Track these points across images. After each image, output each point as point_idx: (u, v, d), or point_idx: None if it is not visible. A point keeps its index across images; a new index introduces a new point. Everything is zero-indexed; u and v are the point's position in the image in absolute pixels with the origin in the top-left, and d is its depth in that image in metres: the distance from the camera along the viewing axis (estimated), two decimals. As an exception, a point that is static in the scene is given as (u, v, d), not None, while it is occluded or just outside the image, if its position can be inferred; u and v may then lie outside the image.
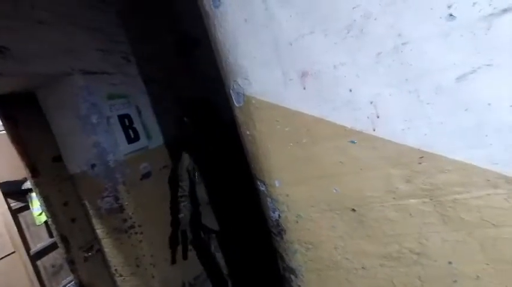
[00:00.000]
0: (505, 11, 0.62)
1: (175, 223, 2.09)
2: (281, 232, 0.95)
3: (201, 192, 1.98)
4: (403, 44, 0.71)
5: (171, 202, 2.16)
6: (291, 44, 0.81)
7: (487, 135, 0.69)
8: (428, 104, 0.72)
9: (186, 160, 2.01)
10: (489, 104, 0.67)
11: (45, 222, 2.85)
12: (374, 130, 0.78)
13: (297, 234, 0.92)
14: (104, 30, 2.05)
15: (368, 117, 0.78)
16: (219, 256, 2.03)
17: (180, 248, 2.14)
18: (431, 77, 0.70)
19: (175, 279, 2.22)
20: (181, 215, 2.01)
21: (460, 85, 0.69)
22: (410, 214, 0.79)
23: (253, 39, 0.84)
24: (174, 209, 2.10)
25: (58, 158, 2.00)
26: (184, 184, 2.01)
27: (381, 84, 0.75)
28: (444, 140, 0.73)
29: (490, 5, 0.63)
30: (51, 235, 3.06)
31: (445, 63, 0.69)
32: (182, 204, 2.00)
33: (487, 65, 0.66)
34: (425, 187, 0.76)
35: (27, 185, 2.72)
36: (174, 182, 2.14)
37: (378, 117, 0.77)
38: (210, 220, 1.98)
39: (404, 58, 0.72)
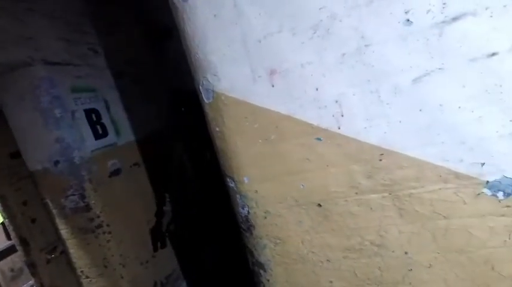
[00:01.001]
0: (455, 19, 0.67)
1: (160, 214, 2.03)
2: (250, 227, 0.96)
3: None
4: (365, 45, 0.74)
5: (157, 192, 2.09)
6: (260, 42, 0.81)
7: (439, 134, 0.74)
8: (387, 104, 0.76)
9: (178, 150, 1.96)
10: (441, 105, 0.73)
11: (2, 223, 2.65)
12: (339, 128, 0.81)
13: (265, 229, 0.94)
14: (67, 19, 1.94)
15: (333, 116, 0.80)
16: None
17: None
18: (391, 79, 0.74)
19: (147, 279, 2.17)
20: (166, 208, 1.96)
21: (416, 87, 0.73)
22: (371, 208, 0.83)
23: (222, 35, 0.83)
24: (160, 201, 2.04)
25: (16, 154, 1.87)
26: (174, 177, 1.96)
27: (345, 84, 0.78)
28: (402, 138, 0.77)
29: (442, 13, 0.67)
30: (9, 237, 2.86)
31: (403, 66, 0.73)
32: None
33: (439, 68, 0.71)
34: (384, 182, 0.81)
35: None
36: (164, 173, 2.07)
37: (343, 115, 0.80)
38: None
39: (366, 59, 0.75)
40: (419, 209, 0.80)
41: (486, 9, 0.65)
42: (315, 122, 0.82)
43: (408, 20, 0.70)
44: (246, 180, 0.91)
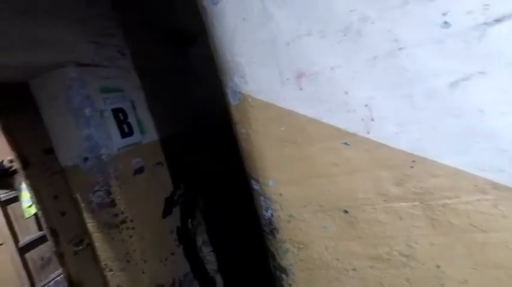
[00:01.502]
0: (497, 20, 0.63)
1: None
2: (273, 230, 0.95)
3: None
4: (399, 49, 0.72)
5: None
6: (288, 44, 0.81)
7: (477, 142, 0.70)
8: (421, 109, 0.73)
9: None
10: (481, 110, 0.69)
11: (34, 215, 2.81)
12: (368, 133, 0.79)
13: (288, 233, 0.93)
14: (97, 23, 2.02)
15: (362, 120, 0.78)
16: (207, 251, 2.03)
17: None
18: (425, 83, 0.71)
19: (165, 275, 2.22)
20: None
21: (453, 91, 0.70)
22: (400, 217, 0.80)
23: (250, 38, 0.84)
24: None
25: (50, 151, 1.97)
26: None
27: (376, 87, 0.76)
28: (436, 145, 0.74)
29: (483, 14, 0.64)
30: (40, 228, 3.03)
31: (439, 70, 0.70)
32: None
33: (480, 72, 0.67)
34: (416, 190, 0.78)
35: (6, 163, 2.67)
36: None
37: (372, 120, 0.78)
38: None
39: (399, 63, 0.72)
40: (454, 221, 0.76)
41: (535, 9, 0.61)
42: (343, 126, 0.80)
43: (446, 22, 0.67)
44: (271, 183, 0.91)
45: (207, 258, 2.02)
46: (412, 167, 0.77)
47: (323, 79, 0.80)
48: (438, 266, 0.79)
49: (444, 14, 0.66)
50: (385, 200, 0.81)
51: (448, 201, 0.75)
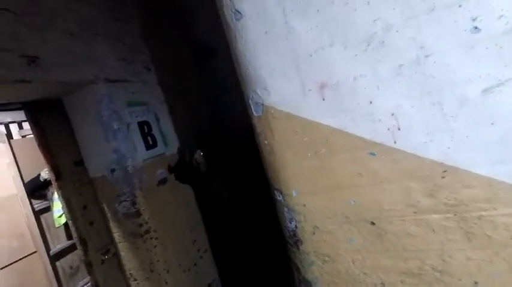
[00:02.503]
0: (534, 23, 0.61)
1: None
2: (297, 242, 0.94)
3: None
4: (425, 56, 0.70)
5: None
6: (311, 56, 0.81)
7: (515, 150, 0.66)
8: (452, 116, 0.70)
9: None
10: (517, 118, 0.65)
11: (64, 224, 2.94)
12: (395, 142, 0.77)
13: (313, 245, 0.91)
14: (126, 40, 2.14)
15: (388, 129, 0.77)
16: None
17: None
18: (455, 90, 0.69)
19: (188, 285, 2.23)
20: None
21: (486, 98, 0.67)
22: (433, 230, 0.76)
23: (272, 51, 0.85)
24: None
25: (80, 163, 2.08)
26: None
27: (403, 96, 0.74)
28: (468, 154, 0.71)
29: (517, 17, 0.61)
30: (69, 237, 3.16)
31: (470, 76, 0.67)
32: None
33: (515, 78, 0.64)
34: (448, 202, 0.74)
35: (44, 175, 2.82)
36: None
37: (399, 129, 0.76)
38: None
39: (427, 70, 0.71)
40: (492, 234, 0.71)
41: None
42: (368, 136, 0.79)
43: (476, 28, 0.65)
44: (294, 193, 0.90)
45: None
46: (443, 178, 0.74)
47: (346, 89, 0.79)
48: (476, 283, 0.75)
49: (474, 19, 0.65)
50: (415, 212, 0.77)
51: (484, 213, 0.71)
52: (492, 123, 0.67)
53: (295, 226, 0.93)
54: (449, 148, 0.72)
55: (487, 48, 0.65)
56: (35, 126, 1.99)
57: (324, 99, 0.82)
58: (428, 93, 0.72)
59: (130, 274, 2.13)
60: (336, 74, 0.80)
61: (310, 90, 0.83)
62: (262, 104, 0.90)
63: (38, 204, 3.11)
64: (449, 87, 0.69)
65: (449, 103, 0.70)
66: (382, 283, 0.85)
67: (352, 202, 0.83)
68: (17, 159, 2.97)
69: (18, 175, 2.97)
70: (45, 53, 1.61)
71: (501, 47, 0.64)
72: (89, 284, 2.51)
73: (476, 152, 0.70)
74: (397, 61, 0.73)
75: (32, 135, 2.06)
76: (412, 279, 0.81)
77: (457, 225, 0.74)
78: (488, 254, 0.72)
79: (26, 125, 3.13)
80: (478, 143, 0.69)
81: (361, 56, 0.76)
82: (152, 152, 2.13)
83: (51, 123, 2.03)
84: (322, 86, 0.82)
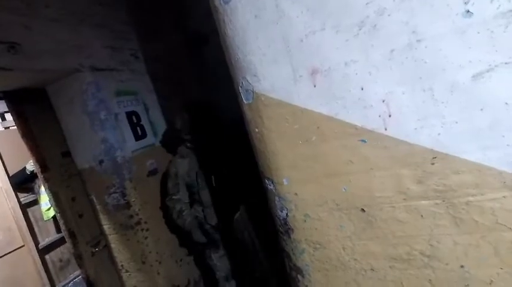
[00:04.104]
0: (525, 6, 0.60)
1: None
2: (288, 231, 0.94)
3: (205, 196, 1.95)
4: (417, 41, 0.69)
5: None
6: (302, 41, 0.79)
7: (503, 136, 0.67)
8: (442, 102, 0.70)
9: (182, 167, 1.96)
10: (506, 103, 0.65)
11: (53, 217, 2.89)
12: (386, 129, 0.76)
13: (304, 233, 0.91)
14: (112, 27, 2.07)
15: (379, 116, 0.76)
16: (216, 257, 2.01)
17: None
18: (447, 75, 0.68)
19: (180, 276, 2.23)
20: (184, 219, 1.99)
21: (476, 83, 0.67)
22: (422, 216, 0.77)
23: (263, 36, 0.83)
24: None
25: (67, 154, 2.03)
26: (179, 196, 1.98)
27: (394, 82, 0.73)
28: (458, 140, 0.71)
29: (509, 1, 0.61)
30: (58, 230, 3.11)
31: (461, 61, 0.67)
32: (184, 219, 1.98)
33: (505, 63, 0.64)
34: (437, 188, 0.75)
35: (29, 167, 2.75)
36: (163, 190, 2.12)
37: (390, 116, 0.75)
38: (215, 220, 1.96)
39: (418, 55, 0.70)
40: (479, 219, 0.72)
41: None
42: (359, 123, 0.78)
43: (468, 11, 0.64)
44: (285, 182, 0.89)
45: (217, 265, 2.01)
46: (433, 164, 0.74)
47: (338, 75, 0.78)
48: (462, 267, 0.76)
49: (466, 3, 0.64)
50: (404, 199, 0.78)
51: (472, 198, 0.72)
52: (481, 109, 0.67)
53: (286, 214, 0.92)
54: (439, 134, 0.72)
55: (478, 32, 0.65)
56: (17, 117, 1.92)
57: (315, 86, 0.81)
58: (419, 79, 0.71)
59: (121, 265, 2.12)
60: (328, 59, 0.78)
61: (301, 76, 0.81)
62: (253, 91, 0.88)
63: (25, 197, 3.04)
64: (440, 72, 0.69)
65: (440, 89, 0.69)
66: (372, 269, 0.85)
67: (343, 189, 0.83)
68: (1, 151, 2.88)
69: (3, 167, 2.89)
70: (26, 39, 1.53)
71: (492, 32, 0.63)
72: (80, 277, 2.49)
73: (466, 138, 0.70)
74: (389, 46, 0.72)
75: (15, 127, 2.00)
76: (401, 264, 0.82)
77: (446, 211, 0.75)
78: (475, 238, 0.74)
79: (9, 117, 3.03)
80: (468, 129, 0.69)
81: (352, 40, 0.75)
82: (141, 143, 2.09)
83: (36, 113, 1.96)
84: (314, 72, 0.80)
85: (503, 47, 0.63)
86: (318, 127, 0.82)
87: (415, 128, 0.73)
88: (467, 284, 0.76)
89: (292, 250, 0.96)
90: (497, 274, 0.74)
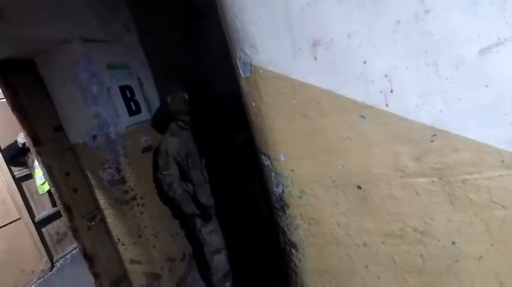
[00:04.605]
0: (543, -25, 0.56)
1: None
2: (284, 207, 0.94)
3: (196, 175, 1.92)
4: (425, 11, 0.66)
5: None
6: (303, 10, 0.75)
7: (506, 114, 0.66)
8: (446, 78, 0.68)
9: (172, 146, 1.91)
10: (512, 80, 0.63)
11: (48, 191, 2.89)
12: (387, 105, 0.74)
13: (300, 209, 0.92)
14: (102, -4, 1.95)
15: (381, 92, 0.74)
16: (206, 232, 2.03)
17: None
18: (453, 49, 0.66)
19: (176, 249, 2.28)
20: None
21: (483, 58, 0.64)
22: (417, 193, 0.77)
23: (262, 4, 0.78)
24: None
25: (59, 128, 1.98)
26: (171, 172, 1.94)
27: (398, 56, 0.71)
28: (459, 117, 0.69)
29: (527, -32, 0.57)
30: (54, 204, 3.13)
31: (470, 34, 0.64)
32: (174, 190, 1.96)
33: (515, 36, 0.61)
34: (435, 165, 0.74)
35: (20, 140, 2.71)
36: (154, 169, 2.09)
37: (392, 91, 0.73)
38: (205, 198, 1.96)
39: (425, 27, 0.66)
40: (474, 197, 0.73)
41: None
42: (359, 99, 0.76)
43: (481, -20, 0.60)
44: (282, 158, 0.88)
45: (206, 239, 2.03)
46: (432, 142, 0.73)
47: (340, 48, 0.75)
48: (454, 243, 0.78)
49: (479, -30, 0.60)
50: (401, 176, 0.78)
51: (468, 176, 0.72)
52: (486, 86, 0.65)
53: (282, 190, 0.92)
54: (440, 111, 0.70)
55: (490, 3, 0.61)
56: (6, 88, 1.85)
57: (315, 59, 0.78)
58: (424, 53, 0.68)
59: (118, 239, 2.15)
60: (330, 30, 0.74)
61: (301, 48, 0.78)
62: (251, 64, 0.84)
63: (19, 171, 3.01)
64: (446, 46, 0.66)
65: (445, 64, 0.67)
66: (365, 244, 0.87)
67: (341, 166, 0.82)
68: (-9, 125, 2.82)
69: (-6, 141, 2.84)
70: (10, 6, 1.44)
71: (505, 2, 0.60)
72: (78, 249, 2.53)
73: (467, 115, 0.69)
74: (394, 17, 0.68)
75: (5, 100, 1.93)
76: (394, 240, 0.83)
77: (442, 188, 0.75)
78: (468, 215, 0.74)
79: (-1, 89, 2.93)
80: (470, 106, 0.68)
81: (357, 10, 0.71)
82: (136, 118, 2.05)
83: (25, 86, 1.89)
84: (315, 44, 0.77)
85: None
86: (317, 102, 0.79)
87: (417, 105, 0.72)
88: (457, 260, 0.78)
89: (287, 225, 0.96)
90: (487, 250, 0.75)
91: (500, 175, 0.69)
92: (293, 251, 0.98)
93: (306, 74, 0.79)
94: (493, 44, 0.63)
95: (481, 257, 0.76)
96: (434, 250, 0.80)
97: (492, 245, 0.74)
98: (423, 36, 0.67)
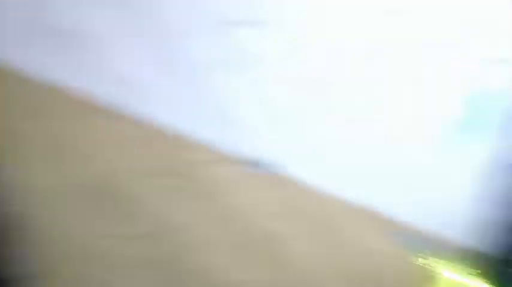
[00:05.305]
0: None
1: None
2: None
3: None
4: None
5: None
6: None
7: (213, 118, 0.82)
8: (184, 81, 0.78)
9: None
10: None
11: None
12: (126, 106, 0.77)
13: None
14: None
15: (117, 89, 0.76)
16: None
17: None
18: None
19: None
20: None
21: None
22: (158, 192, 0.81)
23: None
24: None
25: None
26: None
27: (136, 56, 0.76)
28: (190, 119, 0.80)
29: None
30: None
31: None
32: None
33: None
34: (174, 164, 0.82)
35: None
36: None
37: (132, 91, 0.77)
38: None
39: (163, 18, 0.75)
40: (212, 190, 0.84)
41: None
42: (98, 98, 0.76)
43: None
44: (7, 166, 0.73)
45: None
46: (168, 142, 0.81)
47: (77, 41, 0.73)
48: (197, 234, 0.86)
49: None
50: (141, 177, 0.80)
51: (205, 172, 0.83)
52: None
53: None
54: (178, 112, 0.80)
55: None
56: None
57: (51, 51, 0.72)
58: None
59: None
60: (63, 19, 0.71)
61: (28, 35, 0.70)
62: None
63: None
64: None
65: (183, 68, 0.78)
66: (110, 250, 0.81)
67: (78, 169, 0.77)
68: None
69: None
70: None
71: None
72: None
73: (197, 118, 0.81)
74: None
75: None
76: (141, 241, 0.82)
77: (180, 185, 0.83)
78: (205, 206, 0.84)
79: None
80: (199, 112, 0.81)
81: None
82: None
83: None
84: (48, 34, 0.71)
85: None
86: (43, 99, 0.72)
87: (157, 106, 0.78)
88: (190, 247, 0.85)
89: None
90: (220, 233, 0.87)
91: (220, 169, 0.84)
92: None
93: (38, 68, 0.72)
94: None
95: (209, 240, 0.86)
96: (181, 243, 0.85)
97: (226, 229, 0.87)
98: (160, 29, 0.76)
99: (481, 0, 0.82)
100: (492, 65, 0.85)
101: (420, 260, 0.95)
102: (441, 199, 0.94)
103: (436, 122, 0.91)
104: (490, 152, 0.93)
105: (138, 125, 0.78)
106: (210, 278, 0.88)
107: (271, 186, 0.87)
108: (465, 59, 0.86)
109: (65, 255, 0.78)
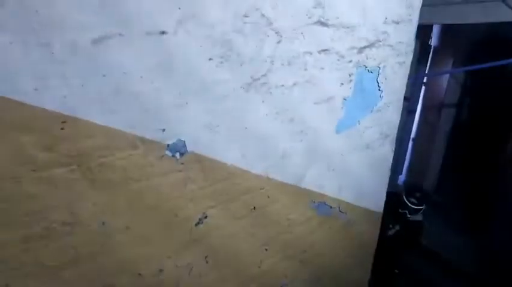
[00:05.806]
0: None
1: None
2: None
3: None
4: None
5: None
6: None
7: (124, 102, 0.76)
8: (64, 63, 0.66)
9: None
10: (124, 72, 0.74)
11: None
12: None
13: None
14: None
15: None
16: None
17: None
18: (65, 34, 0.64)
19: None
20: None
21: (97, 49, 0.69)
22: (56, 185, 0.72)
23: None
24: None
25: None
26: None
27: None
28: (86, 103, 0.71)
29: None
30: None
31: (79, 23, 0.65)
32: None
33: (120, 34, 0.70)
34: (71, 153, 0.72)
35: None
36: None
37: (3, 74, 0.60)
38: None
39: (30, 2, 0.59)
40: (112, 177, 0.80)
41: None
42: None
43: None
44: None
45: None
46: (62, 129, 0.70)
47: None
48: (103, 223, 0.82)
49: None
50: (33, 170, 0.68)
51: (104, 159, 0.77)
52: (104, 75, 0.71)
53: None
54: (65, 96, 0.68)
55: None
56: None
57: None
58: (35, 31, 0.61)
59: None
60: None
61: None
62: None
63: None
64: (58, 29, 0.63)
65: (59, 47, 0.64)
66: (1, 261, 0.70)
67: None
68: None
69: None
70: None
71: (105, 2, 0.66)
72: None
73: (93, 101, 0.72)
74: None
75: None
76: (39, 242, 0.73)
77: (82, 175, 0.75)
78: (111, 195, 0.81)
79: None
80: (94, 93, 0.71)
81: None
82: None
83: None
84: None
85: (117, 18, 0.68)
86: None
87: (36, 89, 0.64)
88: (110, 236, 0.84)
89: None
90: (131, 220, 0.87)
91: (130, 154, 0.81)
92: None
93: None
94: (103, 37, 0.68)
95: (128, 227, 0.87)
96: (86, 236, 0.80)
97: (135, 215, 0.87)
98: (30, 13, 0.60)
99: None
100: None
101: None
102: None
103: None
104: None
105: (21, 111, 0.64)
106: (133, 268, 0.89)
107: (190, 168, 0.92)
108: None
109: None
